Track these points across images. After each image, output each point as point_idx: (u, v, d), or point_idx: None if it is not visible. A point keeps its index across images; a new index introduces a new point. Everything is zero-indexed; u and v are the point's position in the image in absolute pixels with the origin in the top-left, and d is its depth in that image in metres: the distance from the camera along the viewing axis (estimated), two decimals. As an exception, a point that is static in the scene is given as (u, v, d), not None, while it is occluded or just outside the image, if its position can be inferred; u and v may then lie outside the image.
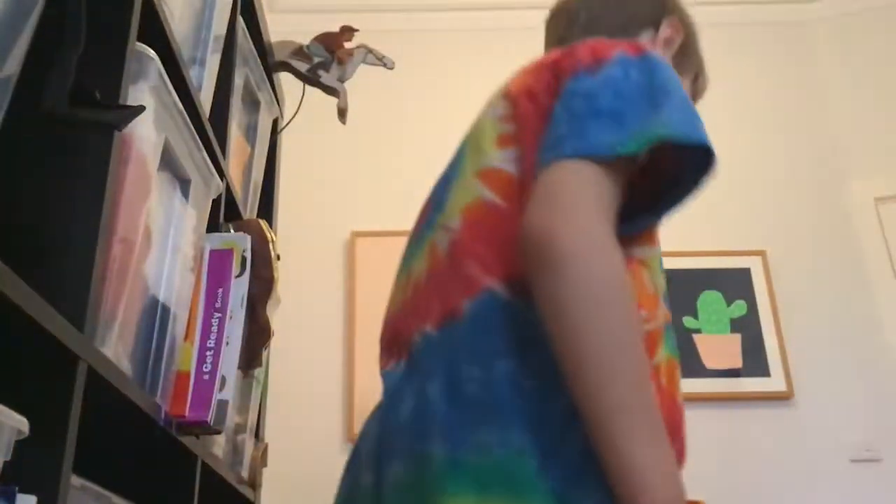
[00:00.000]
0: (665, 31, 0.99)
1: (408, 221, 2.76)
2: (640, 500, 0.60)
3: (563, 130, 0.72)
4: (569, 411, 0.66)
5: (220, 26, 1.27)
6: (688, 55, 1.01)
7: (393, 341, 0.82)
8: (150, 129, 0.86)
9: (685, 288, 2.61)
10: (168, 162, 0.95)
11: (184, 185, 1.02)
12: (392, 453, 0.71)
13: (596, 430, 0.63)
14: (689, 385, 2.48)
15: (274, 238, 1.28)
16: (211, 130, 1.21)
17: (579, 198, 0.67)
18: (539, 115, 0.77)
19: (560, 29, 1.03)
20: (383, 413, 0.76)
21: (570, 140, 0.71)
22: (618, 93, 0.73)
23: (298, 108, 1.94)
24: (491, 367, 0.69)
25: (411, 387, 0.73)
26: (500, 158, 0.78)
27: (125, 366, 0.82)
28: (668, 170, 0.75)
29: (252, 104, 1.69)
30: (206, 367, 0.99)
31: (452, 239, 0.77)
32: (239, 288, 1.10)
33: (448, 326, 0.73)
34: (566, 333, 0.64)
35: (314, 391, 2.49)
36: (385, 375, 0.81)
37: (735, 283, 2.61)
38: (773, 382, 2.50)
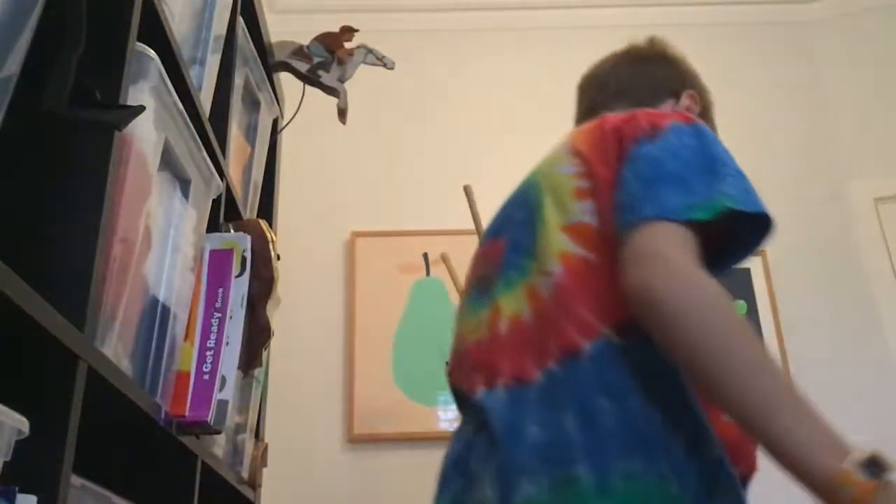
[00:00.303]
0: (685, 100, 1.13)
1: (407, 222, 2.77)
2: (816, 474, 0.67)
3: (638, 194, 0.83)
4: (691, 438, 0.76)
5: (220, 26, 1.27)
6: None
7: (481, 367, 0.89)
8: (150, 129, 0.86)
9: (685, 288, 2.61)
10: (168, 162, 0.95)
11: (184, 185, 1.02)
12: (521, 473, 0.76)
13: (752, 430, 0.70)
14: (689, 385, 2.48)
15: (274, 238, 1.28)
16: (211, 130, 1.21)
17: (667, 251, 0.77)
18: (611, 175, 0.87)
19: (592, 94, 1.17)
20: (500, 434, 0.81)
21: (647, 204, 0.81)
22: (677, 158, 0.85)
23: (298, 108, 1.94)
24: (622, 401, 0.77)
25: (535, 413, 0.79)
26: (581, 211, 0.88)
27: (125, 366, 0.82)
28: (728, 230, 0.85)
29: (252, 104, 1.69)
30: (206, 367, 0.99)
31: (556, 283, 0.85)
32: (239, 288, 1.10)
33: (570, 363, 0.80)
34: (699, 363, 0.72)
35: (314, 391, 2.49)
36: (482, 398, 0.86)
37: (735, 283, 2.61)
38: (773, 382, 2.50)
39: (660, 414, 0.77)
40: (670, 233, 0.78)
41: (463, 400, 0.94)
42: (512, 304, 0.89)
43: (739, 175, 0.85)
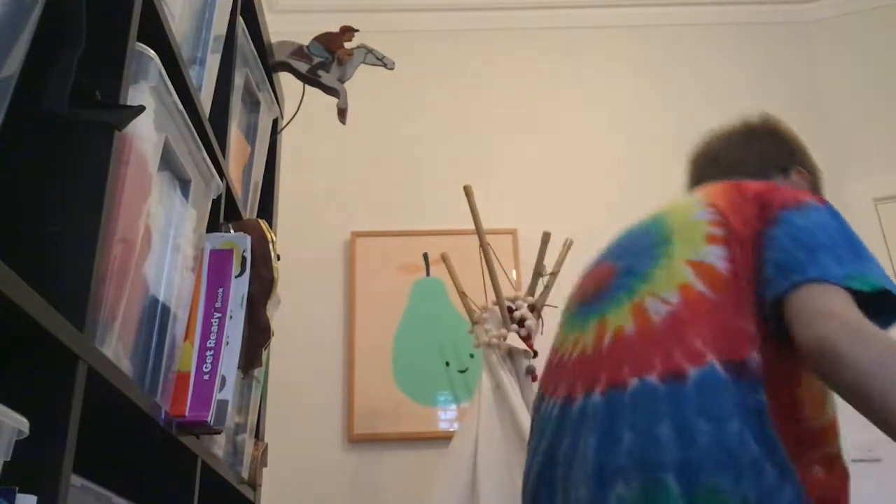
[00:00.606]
0: (794, 177, 1.21)
1: (407, 222, 2.77)
2: None
3: (799, 256, 0.91)
4: (781, 471, 0.82)
5: (220, 26, 1.27)
6: None
7: (583, 376, 0.96)
8: (150, 129, 0.86)
9: (685, 288, 2.61)
10: (168, 162, 0.95)
11: (184, 185, 1.02)
12: (617, 475, 0.85)
13: None
14: (689, 385, 2.48)
15: (274, 238, 1.28)
16: (211, 130, 1.21)
17: (841, 310, 0.85)
18: (750, 233, 0.96)
19: (702, 167, 1.26)
20: (598, 439, 0.89)
21: (811, 267, 0.89)
22: (825, 232, 0.94)
23: (298, 108, 1.94)
24: (719, 425, 0.84)
25: (629, 417, 0.87)
26: (710, 254, 0.95)
27: (125, 366, 0.82)
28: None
29: (252, 104, 1.69)
30: (206, 367, 0.99)
31: (672, 311, 0.92)
32: (239, 288, 1.10)
33: (674, 382, 0.88)
34: (888, 411, 0.78)
35: (314, 391, 2.49)
36: (581, 405, 0.94)
37: (735, 283, 2.61)
38: (773, 382, 2.50)
39: (754, 443, 0.83)
40: (840, 294, 0.87)
41: (549, 408, 1.01)
42: (617, 319, 0.96)
43: (874, 258, 0.95)
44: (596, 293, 1.03)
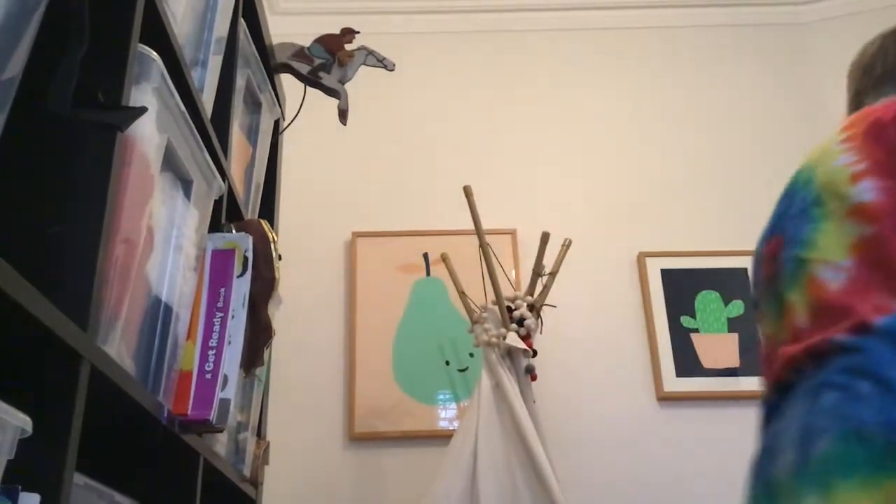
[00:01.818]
0: None
1: (407, 222, 2.77)
2: None
3: None
4: None
5: (221, 28, 1.28)
6: None
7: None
8: (152, 130, 0.86)
9: (683, 288, 2.61)
10: (170, 163, 0.96)
11: (186, 185, 1.02)
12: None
13: None
14: (686, 384, 2.48)
15: (275, 238, 1.29)
16: (213, 131, 1.21)
17: None
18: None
19: (858, 80, 1.16)
20: None
21: None
22: None
23: (299, 109, 1.94)
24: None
25: None
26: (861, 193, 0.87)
27: (128, 365, 0.83)
28: None
29: (254, 105, 1.70)
30: (208, 367, 1.00)
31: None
32: (241, 287, 1.11)
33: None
34: None
35: (315, 390, 2.49)
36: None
37: (732, 283, 2.61)
38: (773, 382, 2.50)
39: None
40: None
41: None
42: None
43: None
44: (774, 272, 0.94)
